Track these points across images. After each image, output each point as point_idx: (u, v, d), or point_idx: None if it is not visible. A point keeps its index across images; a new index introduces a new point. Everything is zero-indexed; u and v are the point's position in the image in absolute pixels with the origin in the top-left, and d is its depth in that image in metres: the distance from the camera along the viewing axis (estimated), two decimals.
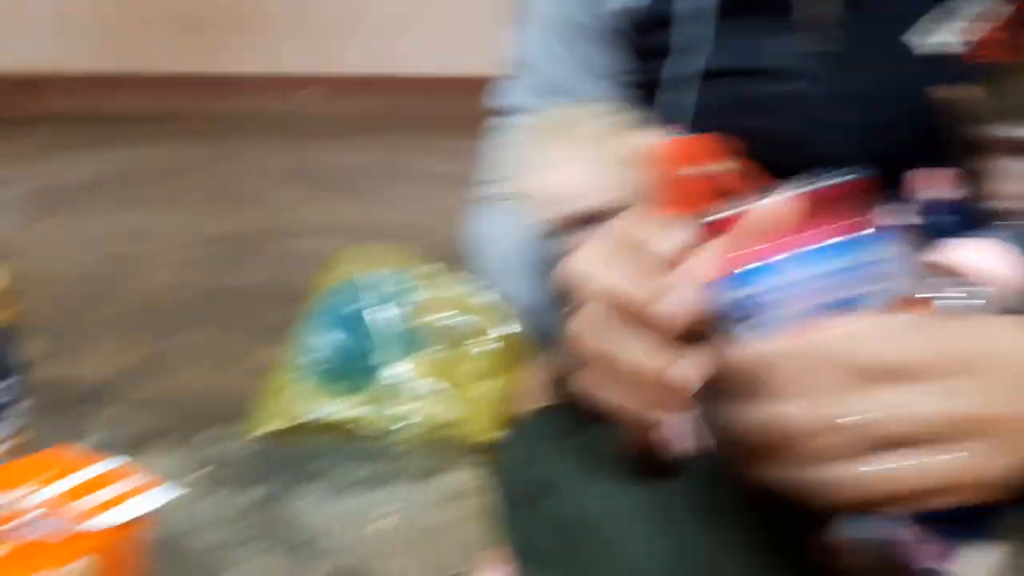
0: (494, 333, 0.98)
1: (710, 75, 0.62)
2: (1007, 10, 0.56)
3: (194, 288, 1.38)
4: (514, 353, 0.98)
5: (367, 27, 3.62)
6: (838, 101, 0.58)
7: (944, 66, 0.55)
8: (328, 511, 0.77)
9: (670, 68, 0.63)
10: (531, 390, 0.87)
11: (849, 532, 0.36)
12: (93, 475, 0.58)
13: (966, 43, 0.56)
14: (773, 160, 0.42)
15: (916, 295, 0.30)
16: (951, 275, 0.32)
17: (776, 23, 0.60)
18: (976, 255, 0.32)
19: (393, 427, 0.90)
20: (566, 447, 0.55)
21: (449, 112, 3.84)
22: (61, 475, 0.58)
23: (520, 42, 0.69)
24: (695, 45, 0.63)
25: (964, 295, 0.30)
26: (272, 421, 0.90)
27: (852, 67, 0.58)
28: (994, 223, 0.36)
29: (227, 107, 3.47)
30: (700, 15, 0.62)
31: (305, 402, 0.92)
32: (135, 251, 1.57)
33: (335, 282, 1.04)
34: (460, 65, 3.68)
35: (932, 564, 0.35)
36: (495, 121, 0.69)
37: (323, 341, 0.96)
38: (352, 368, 0.96)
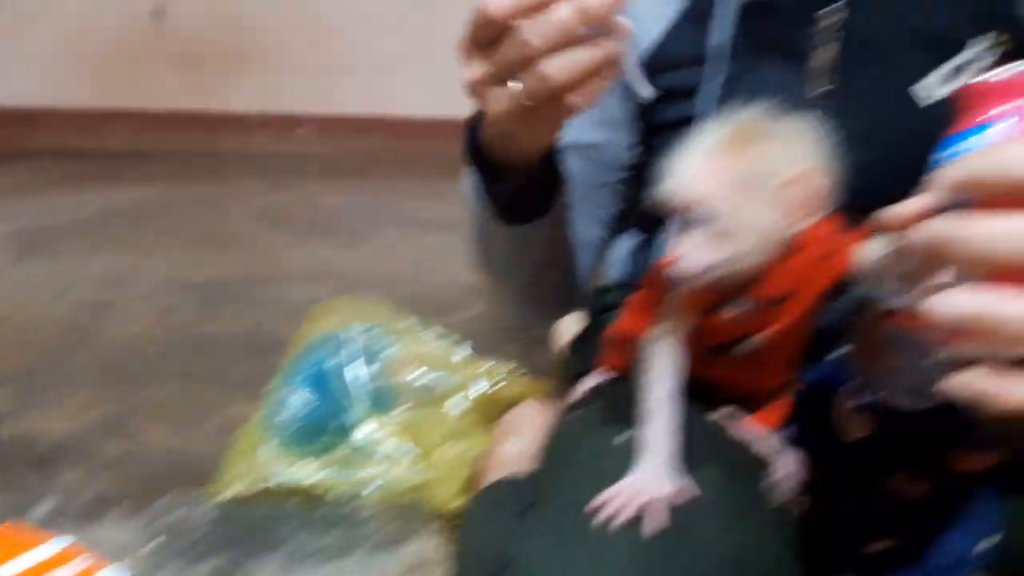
0: (472, 391, 0.95)
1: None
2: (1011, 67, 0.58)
3: (168, 338, 1.35)
4: (490, 413, 0.95)
5: (363, 67, 3.63)
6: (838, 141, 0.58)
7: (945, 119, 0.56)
8: None
9: (680, 111, 0.62)
10: (501, 456, 0.84)
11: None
12: (41, 558, 0.55)
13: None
14: None
15: None
16: None
17: (784, 66, 0.61)
18: None
19: (359, 491, 0.87)
20: (528, 520, 0.54)
21: (442, 155, 3.83)
22: (7, 557, 0.55)
23: None
24: (708, 87, 0.62)
25: None
26: (236, 485, 0.87)
27: (848, 110, 0.58)
28: None
29: (220, 145, 3.46)
30: (712, 58, 0.61)
31: (272, 464, 0.89)
32: (110, 297, 1.54)
33: (312, 336, 1.01)
34: (455, 108, 3.69)
35: None
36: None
37: (295, 399, 0.93)
38: (323, 428, 0.93)
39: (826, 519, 0.57)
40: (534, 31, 0.46)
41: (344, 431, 0.93)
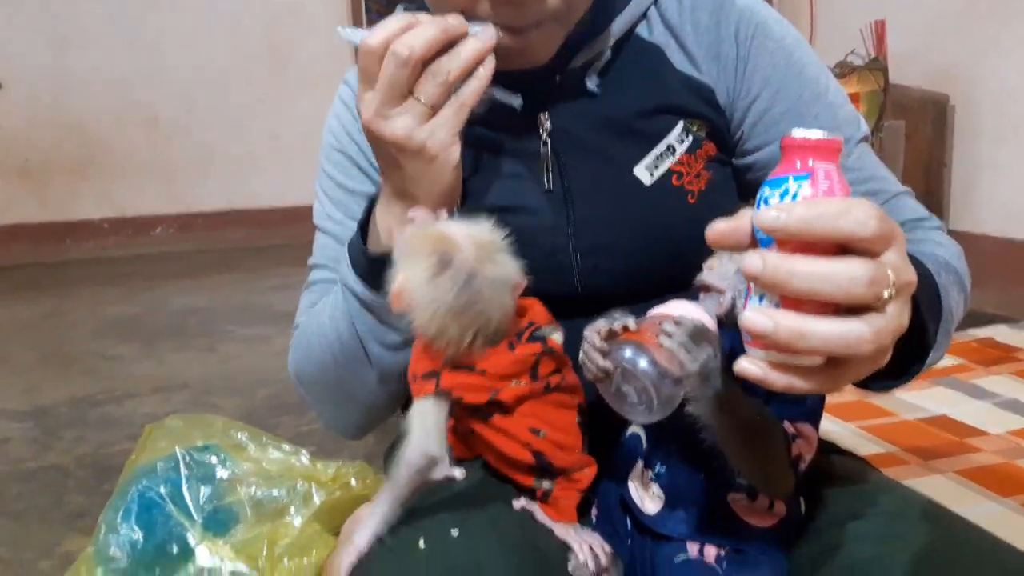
0: (316, 498, 0.93)
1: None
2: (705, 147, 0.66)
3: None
4: (336, 517, 0.93)
5: (215, 165, 3.57)
6: (567, 230, 0.64)
7: (667, 193, 0.64)
8: None
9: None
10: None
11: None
12: None
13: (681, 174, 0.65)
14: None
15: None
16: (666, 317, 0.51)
17: (517, 165, 0.65)
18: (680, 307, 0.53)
19: None
20: None
21: (302, 240, 3.77)
22: None
23: (315, 211, 0.74)
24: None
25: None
26: None
27: (583, 199, 0.64)
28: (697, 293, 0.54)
29: (70, 254, 3.31)
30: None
31: None
32: None
33: (143, 460, 0.97)
34: (309, 196, 3.68)
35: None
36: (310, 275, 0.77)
37: (125, 530, 0.89)
38: (157, 559, 0.89)
39: None
40: (414, 42, 0.53)
41: (181, 559, 0.89)
